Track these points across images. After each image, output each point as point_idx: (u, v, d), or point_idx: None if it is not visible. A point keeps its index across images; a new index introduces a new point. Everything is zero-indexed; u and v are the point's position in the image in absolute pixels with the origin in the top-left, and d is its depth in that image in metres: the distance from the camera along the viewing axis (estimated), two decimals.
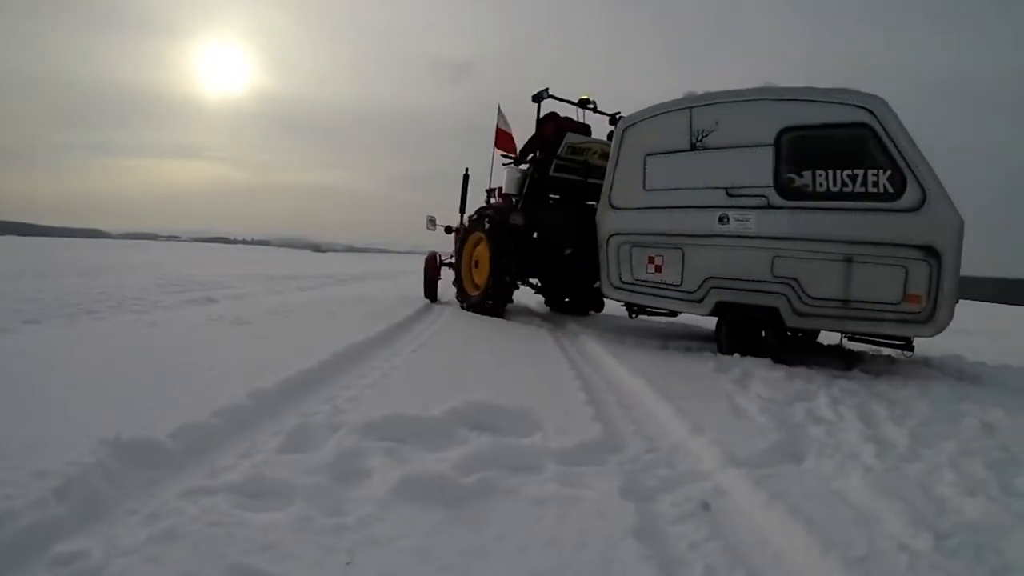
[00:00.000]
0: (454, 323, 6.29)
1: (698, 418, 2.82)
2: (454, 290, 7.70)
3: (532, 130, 7.24)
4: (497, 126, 7.50)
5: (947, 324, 4.06)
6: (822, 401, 3.31)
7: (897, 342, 4.59)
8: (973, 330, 8.67)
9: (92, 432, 2.04)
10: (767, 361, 4.35)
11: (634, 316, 6.02)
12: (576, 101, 7.29)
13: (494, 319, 6.73)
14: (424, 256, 8.65)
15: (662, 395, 3.28)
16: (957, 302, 4.16)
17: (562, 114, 7.29)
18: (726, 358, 4.43)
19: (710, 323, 6.52)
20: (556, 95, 7.08)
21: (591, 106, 7.36)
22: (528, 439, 2.47)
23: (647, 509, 1.93)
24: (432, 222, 8.30)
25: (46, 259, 13.94)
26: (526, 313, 7.70)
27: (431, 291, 8.32)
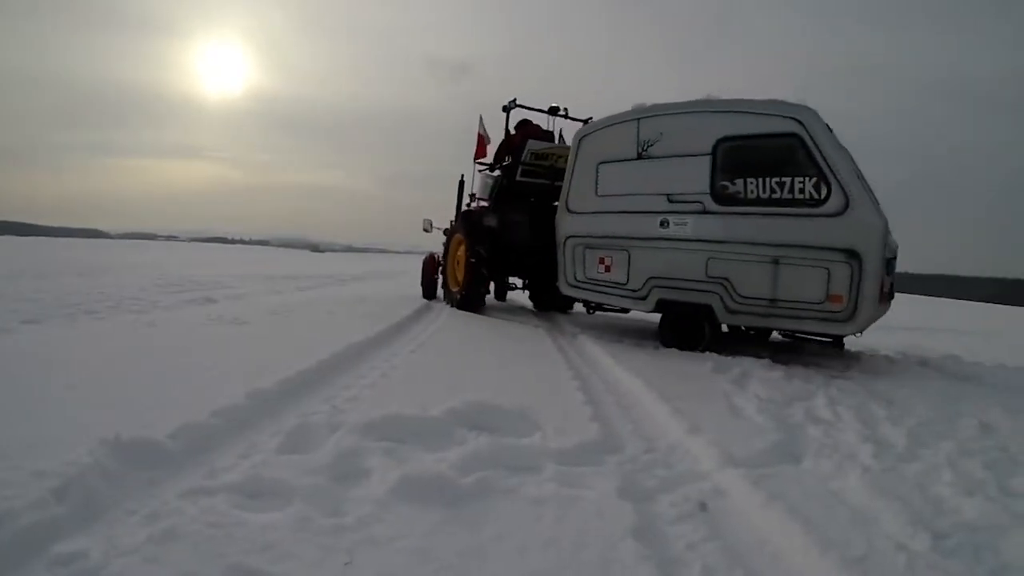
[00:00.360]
0: (452, 323, 6.29)
1: (696, 418, 2.83)
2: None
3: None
4: (478, 134, 7.82)
5: (869, 323, 4.27)
6: (820, 401, 3.31)
7: (825, 338, 4.85)
8: (972, 330, 8.69)
9: (91, 432, 2.04)
10: (766, 361, 4.37)
11: (591, 312, 6.51)
12: (547, 109, 7.61)
13: (493, 319, 6.81)
14: (422, 257, 8.93)
15: (660, 395, 3.28)
16: (892, 298, 4.70)
17: (535, 122, 7.62)
18: (725, 358, 4.44)
19: None
20: (525, 104, 7.41)
21: (561, 113, 7.63)
22: (527, 439, 2.48)
23: (645, 509, 1.93)
24: (429, 225, 8.56)
25: (45, 259, 13.93)
26: (524, 313, 7.71)
27: (429, 291, 8.63)
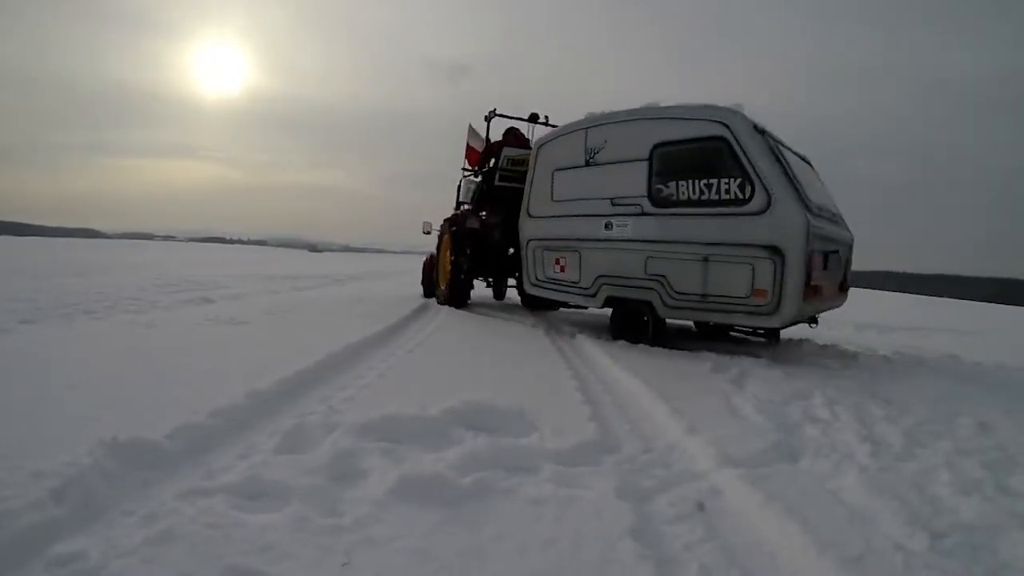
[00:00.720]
0: (450, 323, 6.30)
1: (694, 418, 2.83)
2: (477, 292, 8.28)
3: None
4: (467, 143, 8.16)
5: (792, 317, 4.41)
6: (818, 401, 3.31)
7: (755, 330, 5.30)
8: (971, 330, 8.71)
9: (90, 432, 2.05)
10: (764, 361, 4.39)
11: (557, 308, 7.25)
12: (527, 117, 7.96)
13: (490, 319, 6.85)
14: (422, 257, 9.34)
15: (658, 395, 3.28)
16: (846, 291, 5.08)
17: (522, 130, 8.05)
18: (723, 358, 4.46)
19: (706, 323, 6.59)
20: (505, 114, 7.90)
21: (541, 121, 7.94)
22: (525, 439, 2.48)
23: (643, 509, 1.93)
24: (429, 227, 8.95)
25: (43, 259, 13.90)
26: (521, 313, 7.72)
27: (430, 290, 9.02)
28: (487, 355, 4.48)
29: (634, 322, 5.39)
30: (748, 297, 4.48)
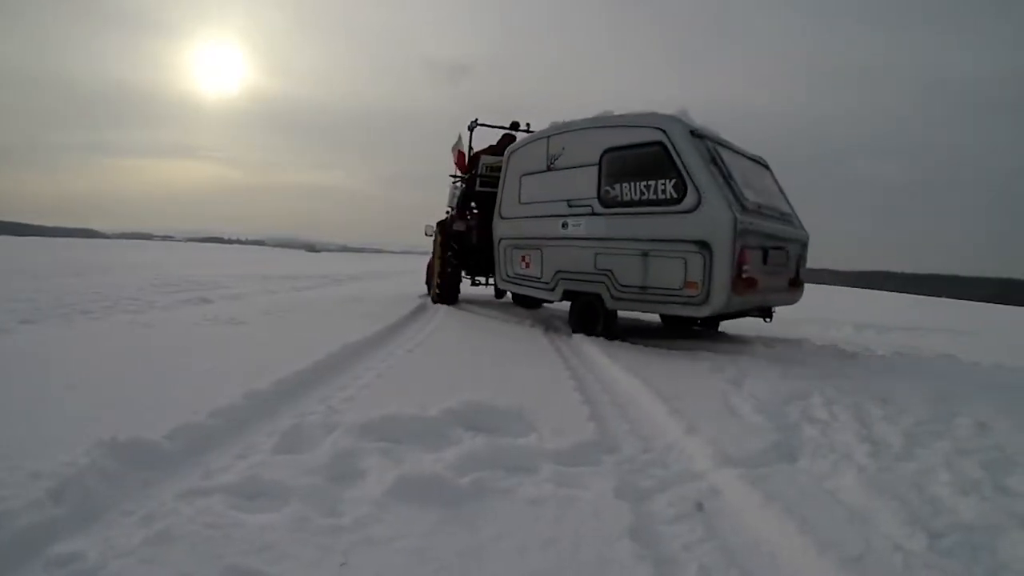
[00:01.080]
0: (449, 323, 6.30)
1: (693, 418, 2.83)
2: (476, 292, 8.84)
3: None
4: (458, 149, 8.66)
5: (722, 306, 4.70)
6: (817, 401, 3.31)
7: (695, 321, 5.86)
8: (970, 330, 8.72)
9: (89, 433, 2.05)
10: (763, 361, 4.40)
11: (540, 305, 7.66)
12: (508, 125, 8.49)
13: (489, 319, 6.89)
14: (420, 257, 9.32)
15: (657, 395, 3.28)
16: (800, 286, 5.59)
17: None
18: (722, 358, 4.47)
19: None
20: (487, 123, 8.54)
21: (523, 129, 8.40)
22: (524, 439, 2.48)
23: (642, 509, 1.94)
24: (430, 230, 9.14)
25: (44, 259, 13.89)
26: (520, 312, 7.72)
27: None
28: (486, 355, 4.49)
29: (589, 314, 5.76)
30: (682, 289, 4.83)
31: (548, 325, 6.58)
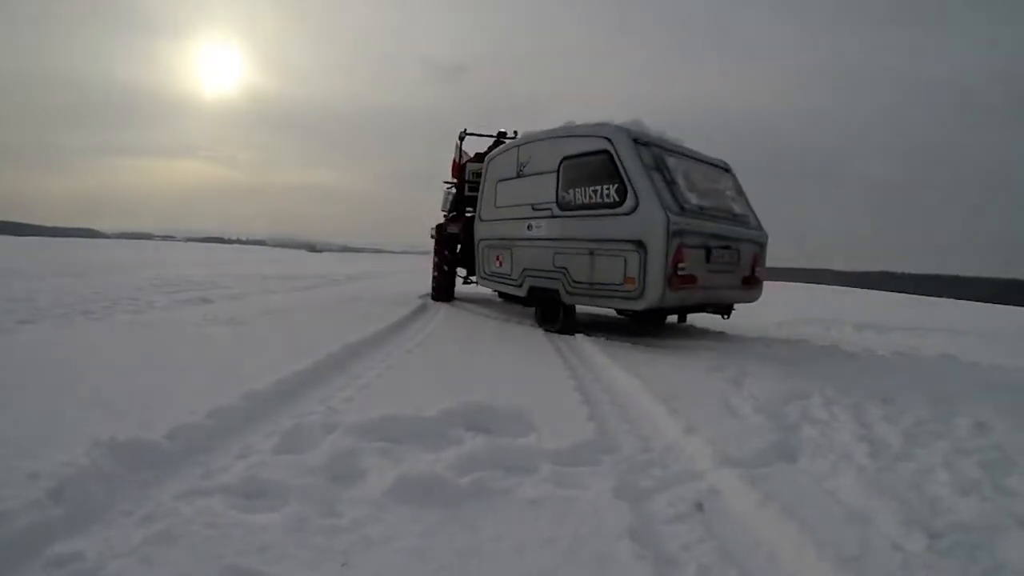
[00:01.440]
0: (448, 323, 6.31)
1: (692, 418, 2.83)
2: (468, 290, 9.22)
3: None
4: (454, 159, 9.05)
5: (657, 300, 5.06)
6: (817, 401, 3.32)
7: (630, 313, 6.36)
8: (969, 330, 8.72)
9: (88, 433, 2.05)
10: (762, 361, 4.41)
11: (500, 298, 8.30)
12: (495, 134, 8.94)
13: (489, 319, 6.92)
14: (421, 257, 9.79)
15: (656, 395, 3.28)
16: (756, 284, 6.02)
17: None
18: (721, 358, 4.48)
19: (703, 323, 7.14)
20: (475, 132, 9.06)
21: (509, 138, 8.67)
22: (523, 439, 2.48)
23: (642, 509, 1.94)
24: (432, 231, 9.47)
25: (43, 259, 13.89)
26: (519, 313, 7.72)
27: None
28: (485, 355, 4.49)
29: (550, 309, 6.23)
30: (622, 284, 5.26)
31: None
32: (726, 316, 6.27)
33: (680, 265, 5.01)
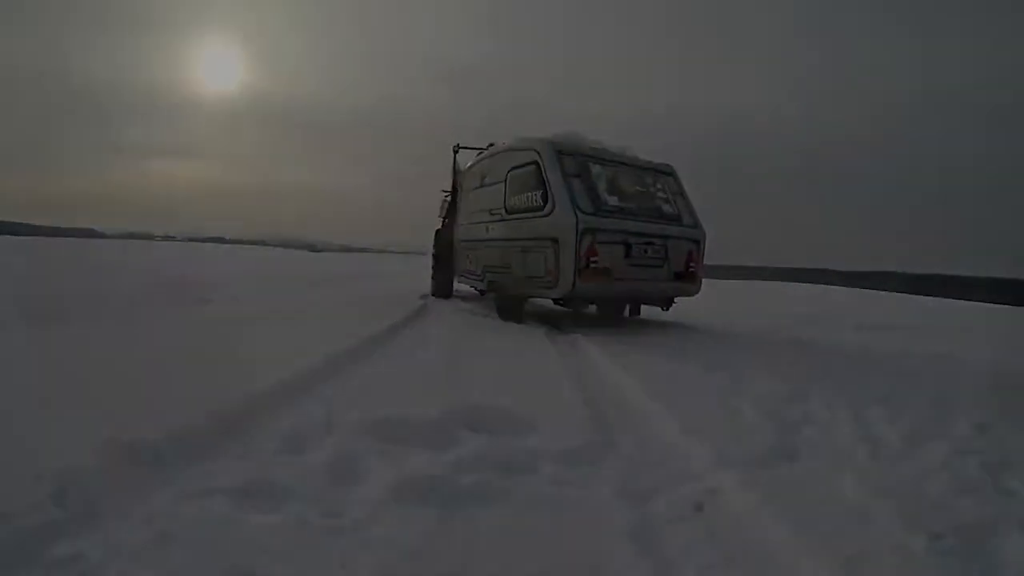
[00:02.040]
0: (449, 323, 6.32)
1: (693, 418, 2.83)
2: (465, 288, 9.78)
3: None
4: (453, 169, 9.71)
5: (569, 289, 5.72)
6: (817, 401, 3.32)
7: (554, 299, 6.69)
8: (968, 330, 8.71)
9: (89, 434, 2.04)
10: (762, 361, 4.41)
11: (482, 294, 8.80)
12: (486, 147, 9.24)
13: (488, 319, 6.93)
14: (421, 258, 10.77)
15: (656, 395, 3.28)
16: (694, 280, 6.62)
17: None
18: (722, 358, 4.50)
19: (702, 323, 7.27)
20: (468, 146, 9.65)
21: None
22: (524, 439, 2.48)
23: (642, 510, 1.94)
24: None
25: (42, 259, 13.88)
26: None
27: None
28: (487, 355, 4.48)
29: (505, 301, 6.95)
30: (544, 276, 6.00)
31: (550, 326, 6.59)
32: (665, 308, 6.94)
33: (593, 259, 5.69)
